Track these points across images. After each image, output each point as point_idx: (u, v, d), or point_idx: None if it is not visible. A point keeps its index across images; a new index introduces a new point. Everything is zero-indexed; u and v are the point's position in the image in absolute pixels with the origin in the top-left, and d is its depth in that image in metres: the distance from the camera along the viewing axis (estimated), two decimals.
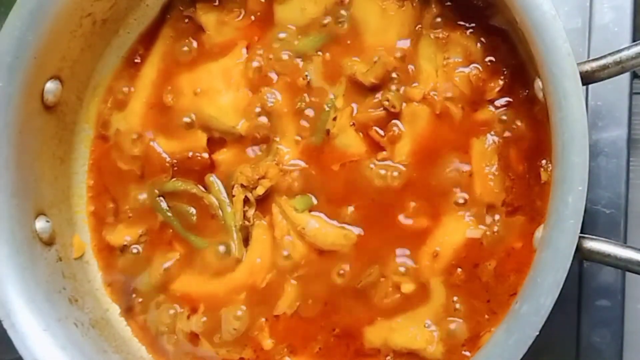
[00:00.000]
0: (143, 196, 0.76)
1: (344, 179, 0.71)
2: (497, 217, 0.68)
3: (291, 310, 0.72)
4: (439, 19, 0.70)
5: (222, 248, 0.74)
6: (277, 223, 0.72)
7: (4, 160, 0.68)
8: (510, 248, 0.68)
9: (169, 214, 0.76)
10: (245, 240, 0.74)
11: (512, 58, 0.68)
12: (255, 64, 0.74)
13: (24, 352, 0.66)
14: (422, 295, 0.69)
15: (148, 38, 0.78)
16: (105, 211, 0.78)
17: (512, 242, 0.68)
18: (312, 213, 0.72)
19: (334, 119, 0.71)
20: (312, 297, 0.72)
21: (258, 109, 0.73)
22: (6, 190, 0.69)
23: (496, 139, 0.69)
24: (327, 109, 0.71)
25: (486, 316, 0.68)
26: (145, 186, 0.76)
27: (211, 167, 0.75)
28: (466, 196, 0.69)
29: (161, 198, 0.76)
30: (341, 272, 0.71)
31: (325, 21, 0.72)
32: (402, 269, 0.70)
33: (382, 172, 0.70)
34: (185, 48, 0.77)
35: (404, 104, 0.70)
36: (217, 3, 0.76)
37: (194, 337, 0.75)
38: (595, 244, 0.59)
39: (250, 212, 0.73)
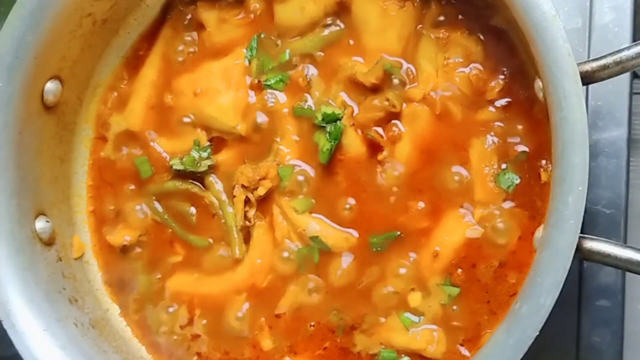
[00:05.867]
0: (142, 198, 0.76)
1: (344, 179, 0.71)
2: (496, 217, 0.68)
3: (292, 310, 0.72)
4: (439, 19, 0.70)
5: (222, 248, 0.74)
6: (278, 224, 0.72)
7: (4, 160, 0.68)
8: (510, 248, 0.68)
9: (166, 216, 0.76)
10: (246, 241, 0.74)
11: (512, 58, 0.68)
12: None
13: (24, 352, 0.66)
14: (422, 295, 0.69)
15: (148, 38, 0.78)
16: (105, 211, 0.78)
17: (512, 242, 0.68)
18: (313, 215, 0.72)
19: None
20: (313, 298, 0.72)
21: (258, 109, 0.73)
22: (6, 190, 0.69)
23: (496, 139, 0.69)
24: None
25: (486, 317, 0.68)
26: (145, 187, 0.76)
27: (212, 167, 0.74)
28: (466, 196, 0.69)
29: (158, 202, 0.76)
30: (341, 273, 0.71)
31: (326, 21, 0.72)
32: (402, 269, 0.70)
33: (382, 172, 0.70)
34: (185, 48, 0.77)
35: (404, 104, 0.70)
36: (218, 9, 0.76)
37: (194, 337, 0.75)
38: (595, 244, 0.58)
39: (251, 212, 0.73)
